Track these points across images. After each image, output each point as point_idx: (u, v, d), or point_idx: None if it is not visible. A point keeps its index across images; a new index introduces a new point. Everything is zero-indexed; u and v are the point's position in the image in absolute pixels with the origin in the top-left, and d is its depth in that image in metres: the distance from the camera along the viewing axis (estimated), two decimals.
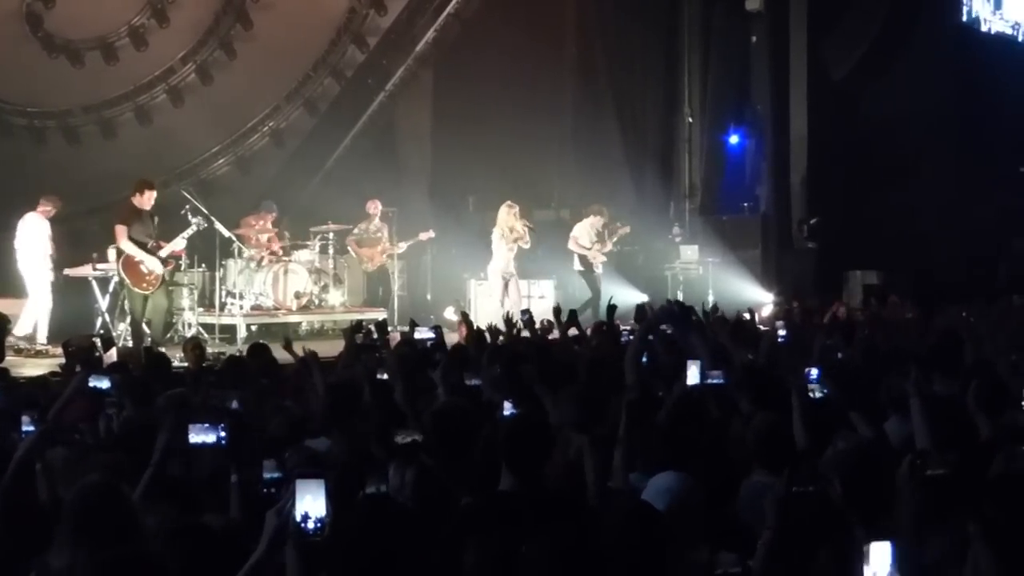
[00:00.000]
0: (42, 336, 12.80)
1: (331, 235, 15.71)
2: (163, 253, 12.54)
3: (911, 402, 5.37)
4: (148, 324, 12.65)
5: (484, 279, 16.27)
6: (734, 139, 19.82)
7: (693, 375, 6.04)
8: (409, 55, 17.85)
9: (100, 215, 14.02)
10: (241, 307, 14.44)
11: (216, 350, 12.00)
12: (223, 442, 4.62)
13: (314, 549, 3.28)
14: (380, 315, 14.12)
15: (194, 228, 12.92)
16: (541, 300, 15.88)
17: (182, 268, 14.10)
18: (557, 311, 9.93)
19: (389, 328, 10.06)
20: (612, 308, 9.93)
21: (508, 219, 15.19)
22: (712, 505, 4.36)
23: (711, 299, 15.90)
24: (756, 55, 19.28)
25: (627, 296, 15.39)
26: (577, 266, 16.11)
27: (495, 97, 17.62)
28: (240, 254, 14.75)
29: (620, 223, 16.54)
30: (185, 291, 14.17)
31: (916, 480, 4.08)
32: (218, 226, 13.79)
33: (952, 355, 7.71)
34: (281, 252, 15.08)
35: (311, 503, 3.29)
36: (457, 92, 18.24)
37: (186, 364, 9.72)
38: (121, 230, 12.43)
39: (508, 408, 5.66)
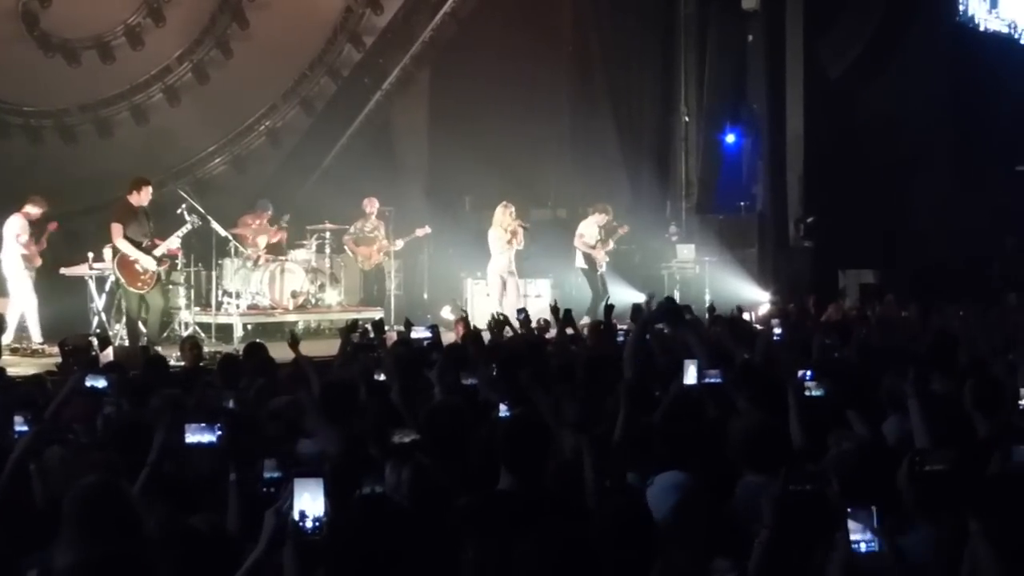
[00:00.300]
0: (36, 336, 12.78)
1: (328, 234, 15.71)
2: (158, 252, 12.54)
3: (909, 402, 5.37)
4: (144, 323, 12.64)
5: (481, 278, 16.29)
6: (730, 138, 19.82)
7: (691, 375, 6.04)
8: (406, 54, 17.85)
9: (96, 214, 14.01)
10: (237, 306, 14.44)
11: (213, 349, 12.00)
12: (219, 442, 4.62)
13: (312, 548, 3.28)
14: (377, 314, 14.13)
15: (189, 227, 12.92)
16: (538, 299, 15.89)
17: (178, 267, 14.09)
18: (555, 310, 9.93)
19: (386, 327, 10.06)
20: (610, 308, 9.94)
21: (504, 219, 15.21)
22: (710, 505, 4.36)
23: (708, 298, 15.92)
24: (752, 54, 19.29)
25: (624, 295, 15.39)
26: (581, 264, 16.10)
27: (492, 96, 17.62)
28: (237, 253, 14.75)
29: (618, 223, 16.56)
30: (182, 290, 14.17)
31: (915, 475, 4.09)
32: (214, 225, 13.79)
33: (948, 354, 7.72)
34: (284, 244, 15.09)
35: (309, 502, 3.29)
36: (454, 91, 18.24)
37: (183, 363, 9.73)
38: (117, 228, 12.42)
39: (504, 410, 5.66)
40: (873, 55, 19.56)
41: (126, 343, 12.27)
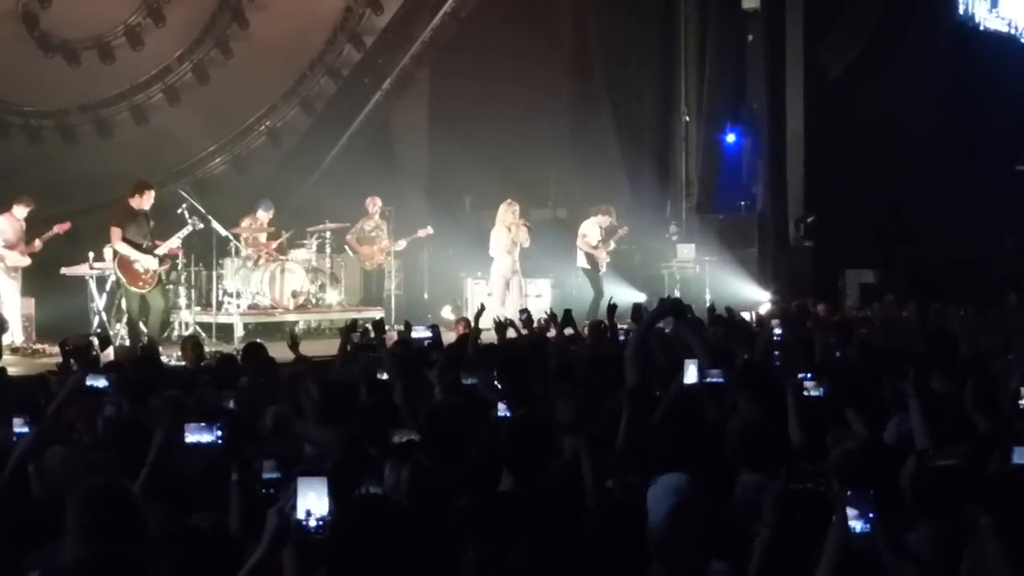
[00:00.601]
0: (18, 337, 12.66)
1: (328, 234, 15.70)
2: (158, 252, 12.54)
3: (910, 402, 5.37)
4: (145, 323, 12.64)
5: (481, 278, 16.30)
6: (731, 138, 19.83)
7: (691, 374, 6.04)
8: (405, 54, 17.84)
9: (96, 214, 14.00)
10: (238, 306, 14.44)
11: (213, 349, 12.00)
12: (219, 442, 4.61)
13: (315, 548, 3.28)
14: (377, 314, 14.14)
15: (190, 227, 12.92)
16: (538, 299, 15.90)
17: (179, 267, 14.10)
18: (552, 317, 9.93)
19: (386, 327, 10.07)
20: (612, 307, 9.95)
21: (508, 217, 15.24)
22: (709, 508, 4.35)
23: (708, 298, 15.93)
24: (752, 54, 19.30)
25: (624, 295, 15.40)
26: (583, 263, 16.12)
27: (492, 96, 17.62)
28: (237, 253, 14.76)
29: (618, 224, 16.58)
30: (182, 290, 14.18)
31: (923, 471, 4.09)
32: (215, 225, 13.79)
33: (948, 354, 7.72)
34: (277, 251, 15.08)
35: (313, 501, 3.28)
36: (453, 91, 18.25)
37: (183, 362, 9.73)
38: (116, 232, 12.43)
39: (503, 409, 5.66)
40: (873, 55, 19.56)
41: (127, 343, 12.27)
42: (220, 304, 14.37)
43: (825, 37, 19.49)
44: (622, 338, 8.97)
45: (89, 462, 4.79)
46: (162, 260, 12.62)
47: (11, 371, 9.40)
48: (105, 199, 13.99)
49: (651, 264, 18.33)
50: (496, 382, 6.89)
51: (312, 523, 3.26)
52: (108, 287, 13.15)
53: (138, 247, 12.42)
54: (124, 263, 12.41)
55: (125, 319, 12.80)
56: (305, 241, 15.63)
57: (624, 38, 19.66)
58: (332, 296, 15.58)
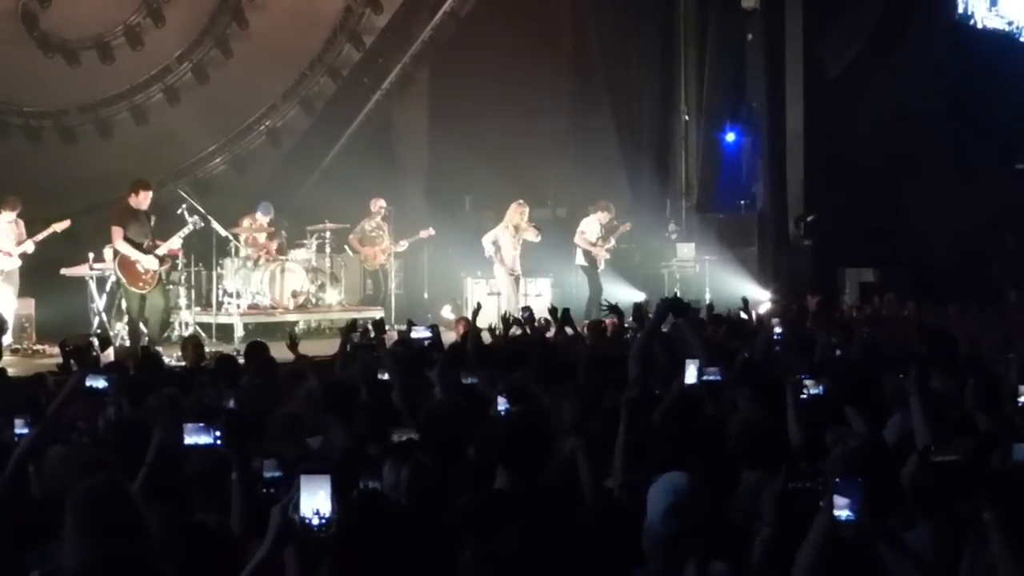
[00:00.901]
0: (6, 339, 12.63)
1: (328, 234, 15.71)
2: (159, 252, 12.54)
3: (911, 400, 5.37)
4: (145, 323, 12.64)
5: (481, 277, 16.31)
6: (730, 137, 19.82)
7: (691, 374, 6.04)
8: (405, 54, 17.85)
9: (96, 215, 14.00)
10: (238, 306, 14.44)
11: (214, 349, 12.00)
12: (218, 442, 4.61)
13: (318, 546, 3.27)
14: (377, 314, 14.15)
15: (190, 227, 12.92)
16: (538, 298, 15.90)
17: (179, 267, 14.10)
18: (553, 312, 9.93)
19: (386, 327, 10.07)
20: (614, 308, 9.95)
21: (515, 218, 15.29)
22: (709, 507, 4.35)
23: (708, 297, 15.93)
24: (752, 53, 19.29)
25: (624, 294, 15.41)
26: (580, 261, 16.14)
27: (491, 96, 17.62)
28: (237, 253, 14.76)
29: (619, 221, 16.60)
30: (182, 290, 14.18)
31: (924, 466, 4.09)
32: (215, 225, 13.79)
33: (948, 352, 7.72)
34: (276, 252, 15.08)
35: (316, 499, 3.27)
36: (453, 91, 18.25)
37: (183, 363, 9.73)
38: (117, 231, 12.42)
39: (502, 403, 5.66)
40: (873, 53, 19.56)
41: (127, 343, 12.27)
42: (220, 304, 14.37)
43: (824, 36, 19.48)
44: (627, 336, 8.98)
45: (85, 462, 4.79)
46: (162, 260, 12.62)
47: (11, 372, 9.39)
48: (105, 199, 13.99)
49: (651, 263, 18.34)
50: (499, 379, 6.88)
51: (315, 521, 3.25)
52: (108, 287, 13.15)
53: (139, 246, 12.42)
54: (124, 263, 12.41)
55: (125, 319, 12.79)
56: (305, 241, 15.63)
57: (624, 37, 19.65)
58: (332, 296, 15.59)
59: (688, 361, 6.12)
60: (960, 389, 5.97)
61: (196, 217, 13.05)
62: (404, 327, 9.62)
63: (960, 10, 20.98)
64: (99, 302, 13.21)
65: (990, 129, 19.69)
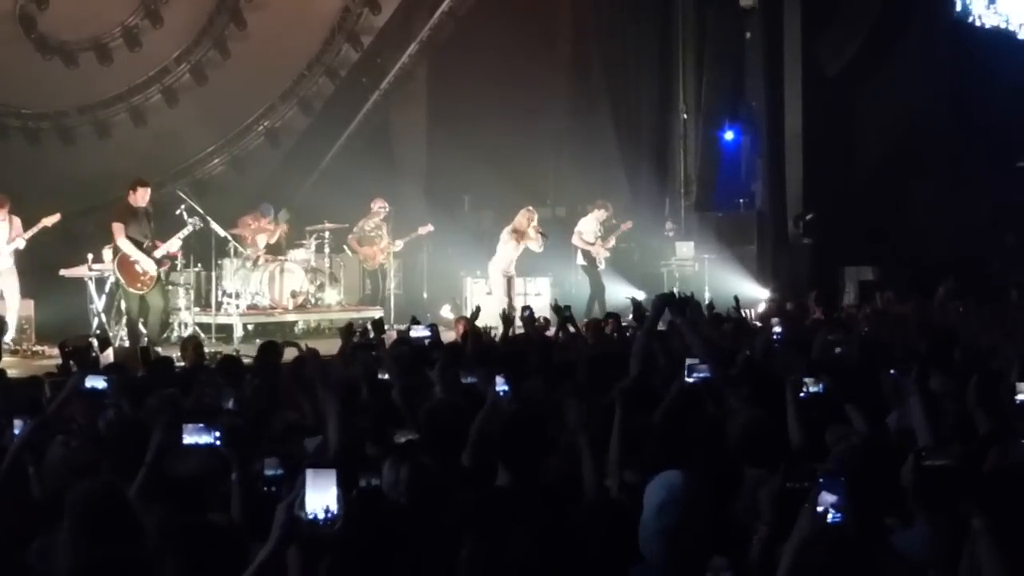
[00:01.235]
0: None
1: (327, 234, 15.71)
2: (158, 254, 12.55)
3: (911, 399, 5.36)
4: (144, 324, 12.64)
5: (480, 277, 16.31)
6: (729, 135, 19.82)
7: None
8: (403, 54, 17.85)
9: (95, 216, 14.01)
10: (237, 306, 14.44)
11: (213, 350, 12.00)
12: (218, 442, 4.61)
13: (323, 541, 3.26)
14: (376, 313, 14.15)
15: (190, 228, 12.93)
16: (538, 297, 15.91)
17: (178, 268, 14.10)
18: (557, 308, 9.93)
19: (385, 327, 10.07)
20: (612, 314, 9.96)
21: (523, 223, 15.30)
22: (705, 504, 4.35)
23: (707, 296, 15.92)
24: (750, 51, 19.28)
25: (624, 293, 15.40)
26: (580, 261, 16.19)
27: (490, 95, 17.62)
28: (236, 254, 14.76)
29: (619, 220, 16.61)
30: (181, 291, 14.18)
31: (916, 471, 4.09)
32: (214, 226, 13.80)
33: (947, 351, 7.72)
34: (283, 242, 15.09)
35: (321, 495, 3.26)
36: (452, 90, 18.25)
37: (183, 363, 9.73)
38: (118, 228, 12.44)
39: (500, 383, 5.66)
40: (871, 52, 19.55)
41: (126, 344, 12.27)
42: (219, 304, 14.38)
43: (823, 34, 19.48)
44: (627, 334, 8.98)
45: (79, 464, 4.78)
46: (161, 262, 12.63)
47: (10, 373, 9.39)
48: (104, 200, 14.01)
49: (650, 262, 18.33)
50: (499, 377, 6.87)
51: (321, 517, 3.24)
52: (107, 288, 13.15)
53: (138, 245, 12.44)
54: (124, 264, 12.41)
55: (124, 320, 12.79)
56: (304, 241, 15.63)
57: (622, 36, 19.66)
58: (331, 296, 15.59)
59: (688, 360, 6.12)
60: (959, 388, 5.96)
61: (195, 218, 13.06)
62: (403, 327, 9.61)
63: (959, 8, 20.97)
64: (98, 303, 13.21)
65: (989, 127, 19.68)
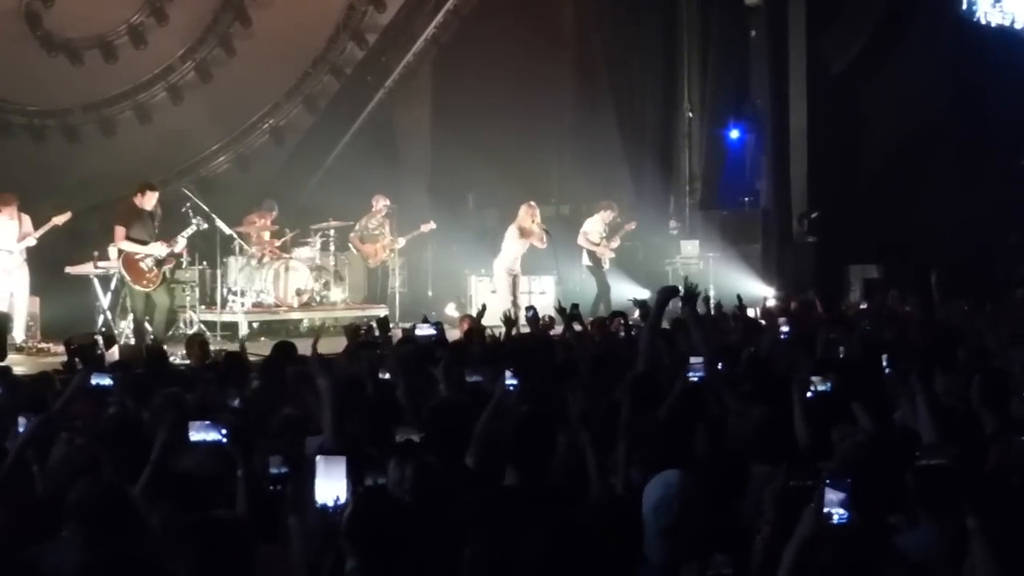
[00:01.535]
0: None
1: (332, 232, 15.71)
2: (162, 253, 12.56)
3: (917, 398, 5.37)
4: (150, 322, 12.67)
5: (485, 275, 16.31)
6: (734, 134, 19.79)
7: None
8: (408, 52, 17.85)
9: (101, 213, 14.03)
10: (243, 304, 14.46)
11: (218, 347, 12.01)
12: (224, 440, 4.62)
13: (334, 527, 3.27)
14: (382, 311, 14.16)
15: (194, 227, 12.95)
16: (542, 296, 15.91)
17: (183, 266, 14.12)
18: (561, 310, 9.94)
19: (391, 325, 10.07)
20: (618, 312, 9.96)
21: (524, 218, 15.28)
22: (714, 502, 4.35)
23: (712, 294, 15.92)
24: (755, 49, 19.25)
25: (628, 292, 15.40)
26: (586, 261, 16.20)
27: (494, 93, 17.62)
28: (241, 251, 14.77)
29: (623, 220, 16.61)
30: (187, 288, 14.19)
31: (914, 471, 4.09)
32: (219, 224, 13.81)
33: (951, 350, 7.72)
34: (280, 251, 15.10)
35: (332, 483, 3.26)
36: (456, 89, 18.25)
37: (188, 361, 9.74)
38: (120, 231, 12.47)
39: (509, 377, 5.67)
40: (876, 49, 19.52)
41: (132, 341, 12.29)
42: (224, 302, 14.39)
43: (827, 32, 19.45)
44: (633, 332, 8.99)
45: (82, 462, 4.79)
46: (165, 260, 12.64)
47: (16, 370, 9.41)
48: (109, 198, 14.02)
49: (654, 260, 18.32)
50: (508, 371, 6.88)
51: (330, 503, 3.25)
52: (113, 286, 13.17)
53: (142, 244, 12.47)
54: (129, 261, 12.43)
55: (130, 318, 12.81)
56: (309, 239, 15.64)
57: (626, 35, 19.64)
58: (336, 294, 15.60)
59: (691, 359, 6.13)
60: (964, 386, 5.97)
61: (199, 217, 13.07)
62: (408, 325, 9.62)
63: (963, 6, 20.94)
64: (104, 300, 13.23)
65: (994, 125, 19.65)
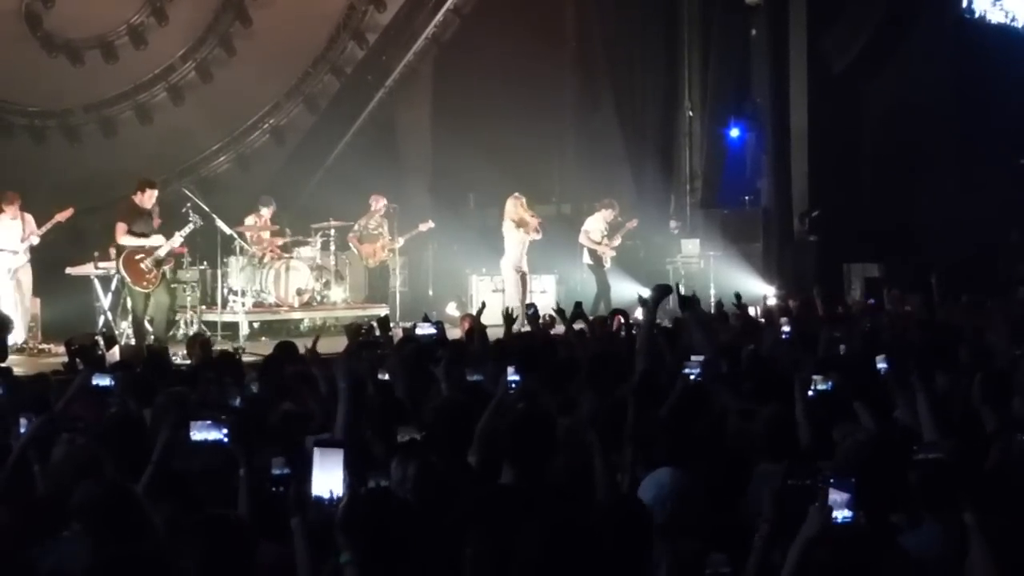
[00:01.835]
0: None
1: (332, 232, 15.71)
2: (161, 252, 12.56)
3: (918, 396, 5.36)
4: (150, 322, 12.67)
5: (486, 275, 16.30)
6: (735, 132, 19.80)
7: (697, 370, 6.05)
8: (408, 51, 17.85)
9: (101, 214, 14.03)
10: (243, 304, 14.45)
11: (220, 347, 12.01)
12: (226, 439, 4.62)
13: (330, 520, 3.25)
14: (382, 311, 14.15)
15: (192, 226, 12.93)
16: (543, 295, 15.90)
17: (184, 266, 14.11)
18: (559, 312, 9.92)
19: (391, 324, 10.06)
20: (619, 311, 9.95)
21: (517, 211, 15.23)
22: (714, 501, 4.35)
23: (713, 293, 15.93)
24: (756, 48, 19.25)
25: (629, 290, 15.39)
26: (587, 260, 16.19)
27: (495, 93, 17.62)
28: (242, 251, 14.77)
29: (624, 218, 16.60)
30: (187, 288, 14.18)
31: (911, 465, 4.09)
32: (219, 223, 13.80)
33: (952, 349, 7.71)
34: (280, 250, 15.09)
35: (328, 476, 3.25)
36: (457, 88, 18.25)
37: (189, 361, 9.74)
38: (121, 227, 12.48)
39: (512, 374, 5.67)
40: (877, 48, 19.51)
41: (132, 342, 12.29)
42: (225, 302, 14.39)
43: (829, 31, 19.44)
44: (634, 331, 8.98)
45: (83, 462, 4.79)
46: (165, 260, 12.64)
47: (16, 371, 9.41)
48: (110, 198, 14.02)
49: (655, 259, 18.31)
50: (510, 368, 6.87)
51: (326, 495, 3.23)
52: (113, 286, 13.17)
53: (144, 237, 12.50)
54: (129, 262, 12.43)
55: (131, 318, 12.81)
56: (310, 239, 15.64)
57: (627, 33, 19.64)
58: (337, 294, 15.59)
59: (693, 357, 6.13)
60: (964, 385, 5.96)
61: (197, 215, 13.06)
62: (409, 325, 9.61)
63: (964, 4, 20.94)
64: (104, 301, 13.23)
65: (995, 123, 19.64)
